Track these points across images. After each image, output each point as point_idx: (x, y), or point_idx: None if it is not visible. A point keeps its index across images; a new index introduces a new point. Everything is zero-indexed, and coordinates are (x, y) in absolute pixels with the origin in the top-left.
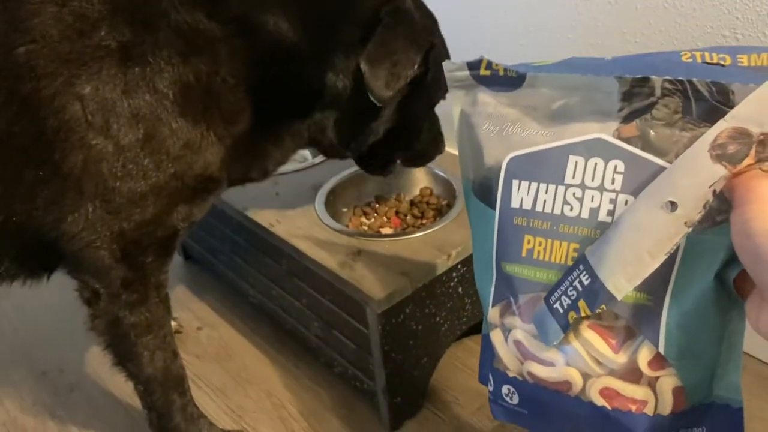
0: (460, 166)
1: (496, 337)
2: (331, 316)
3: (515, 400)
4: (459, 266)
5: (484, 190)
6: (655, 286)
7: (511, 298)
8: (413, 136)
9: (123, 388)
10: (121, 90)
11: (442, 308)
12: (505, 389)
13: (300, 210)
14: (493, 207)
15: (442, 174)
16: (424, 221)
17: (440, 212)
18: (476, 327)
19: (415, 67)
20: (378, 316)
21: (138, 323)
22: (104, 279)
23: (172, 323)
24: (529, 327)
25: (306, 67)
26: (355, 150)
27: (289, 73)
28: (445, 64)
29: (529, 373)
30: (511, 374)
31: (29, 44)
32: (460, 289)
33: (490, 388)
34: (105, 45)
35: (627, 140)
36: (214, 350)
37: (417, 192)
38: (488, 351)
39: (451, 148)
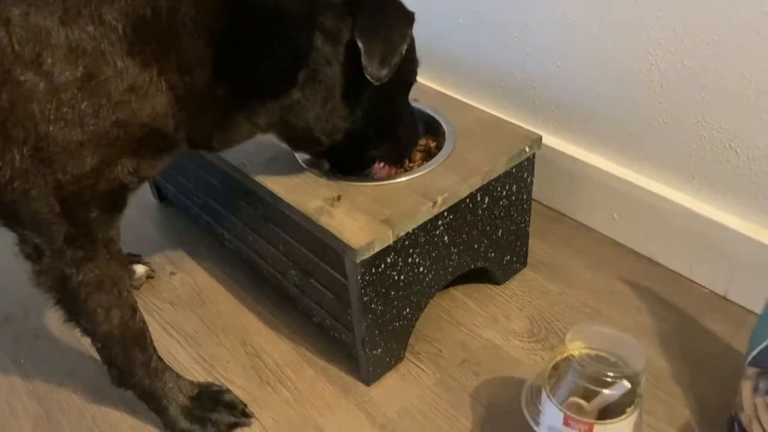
0: None
1: None
2: (308, 265)
3: None
4: (445, 214)
5: None
6: None
7: None
8: (391, 122)
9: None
10: (59, 18)
11: (427, 258)
12: None
13: (277, 151)
14: None
15: (431, 113)
16: (411, 164)
17: (429, 154)
18: (463, 277)
19: (407, 41)
20: (357, 265)
21: (87, 281)
22: (45, 234)
23: (144, 268)
24: None
25: (288, 30)
26: (328, 136)
27: (268, 33)
28: None
29: None
30: None
31: None
32: (446, 238)
33: None
34: None
35: None
36: (188, 296)
37: None
38: None
39: (441, 87)
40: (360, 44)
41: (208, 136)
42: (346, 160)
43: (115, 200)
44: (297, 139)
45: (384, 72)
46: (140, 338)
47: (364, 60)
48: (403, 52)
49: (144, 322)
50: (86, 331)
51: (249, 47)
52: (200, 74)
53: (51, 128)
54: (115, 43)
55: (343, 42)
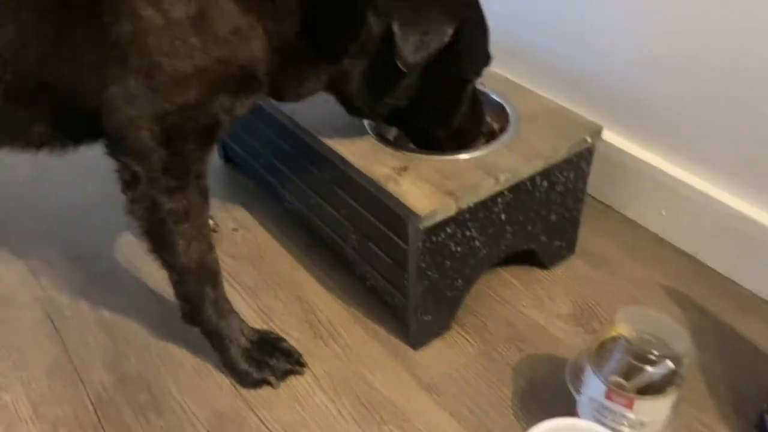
0: None
1: None
2: (369, 229)
3: None
4: (506, 192)
5: None
6: None
7: None
8: (446, 110)
9: (156, 278)
10: None
11: (483, 233)
12: None
13: (348, 119)
14: None
15: (496, 98)
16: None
17: (492, 135)
18: (511, 259)
19: (446, 39)
20: (419, 231)
21: (176, 210)
22: (145, 161)
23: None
24: None
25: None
26: (373, 109)
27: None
28: None
29: None
30: None
31: None
32: (503, 216)
33: None
34: None
35: None
36: (248, 252)
37: None
38: None
39: (508, 73)
40: (395, 30)
41: (284, 86)
42: (409, 133)
43: (210, 135)
44: (344, 104)
45: (412, 61)
46: (213, 276)
47: (396, 45)
48: (437, 48)
49: (217, 261)
50: (166, 263)
51: (324, 8)
52: (290, 26)
53: (163, 59)
54: None
55: (388, 24)
